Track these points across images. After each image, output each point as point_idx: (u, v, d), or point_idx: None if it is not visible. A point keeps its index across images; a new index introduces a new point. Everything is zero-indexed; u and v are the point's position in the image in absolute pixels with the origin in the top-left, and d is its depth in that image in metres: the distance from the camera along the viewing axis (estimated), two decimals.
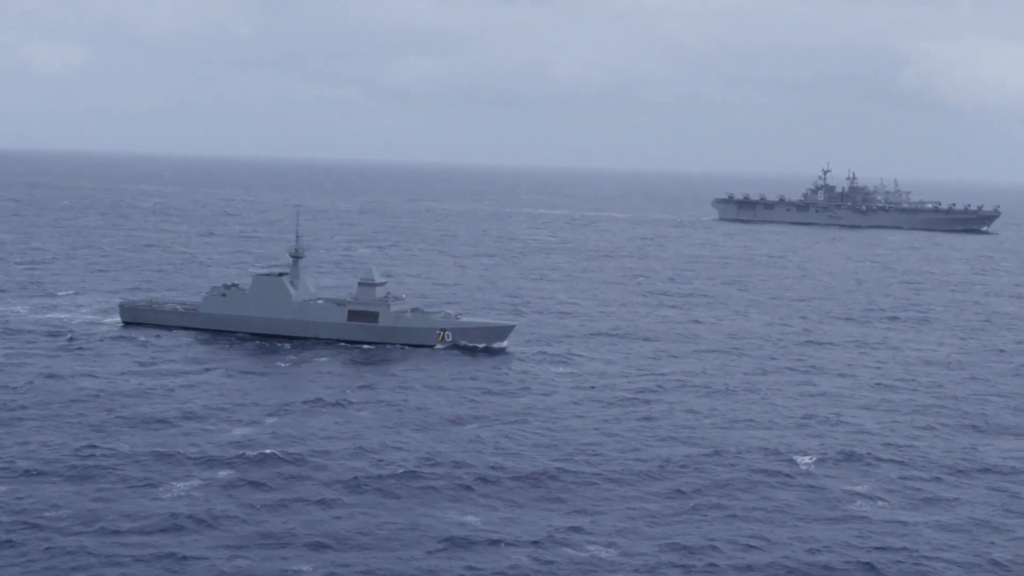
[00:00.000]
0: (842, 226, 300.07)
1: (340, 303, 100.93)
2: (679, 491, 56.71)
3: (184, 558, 45.17)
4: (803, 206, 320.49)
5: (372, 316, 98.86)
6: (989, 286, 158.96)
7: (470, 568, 45.59)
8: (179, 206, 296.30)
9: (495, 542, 48.68)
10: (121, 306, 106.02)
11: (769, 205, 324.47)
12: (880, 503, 56.25)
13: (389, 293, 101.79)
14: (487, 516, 52.30)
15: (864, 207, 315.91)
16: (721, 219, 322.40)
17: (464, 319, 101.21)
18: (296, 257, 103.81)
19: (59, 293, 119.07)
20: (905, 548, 49.58)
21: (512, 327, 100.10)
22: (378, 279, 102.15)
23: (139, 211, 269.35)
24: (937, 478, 60.77)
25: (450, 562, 46.19)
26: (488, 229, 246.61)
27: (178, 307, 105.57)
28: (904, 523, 53.02)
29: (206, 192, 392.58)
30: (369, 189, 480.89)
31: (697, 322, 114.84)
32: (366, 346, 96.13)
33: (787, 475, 60.10)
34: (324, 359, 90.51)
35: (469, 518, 51.87)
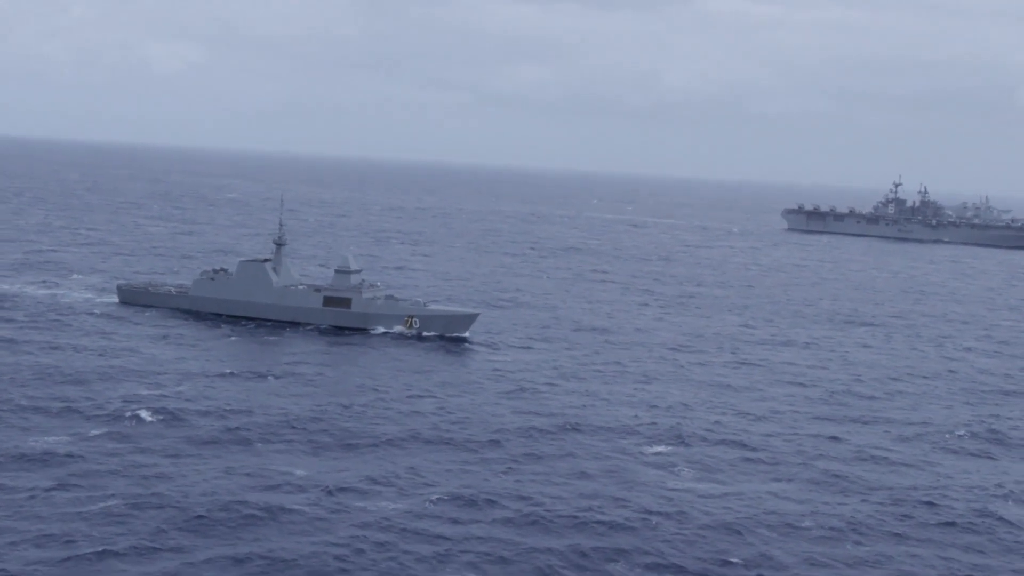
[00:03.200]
0: (911, 240, 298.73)
1: (317, 289, 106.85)
2: (497, 452, 61.51)
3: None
4: (872, 219, 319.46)
5: (346, 302, 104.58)
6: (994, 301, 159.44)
7: (271, 504, 50.85)
8: (251, 200, 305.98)
9: (302, 488, 54.04)
10: (119, 287, 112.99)
11: (839, 216, 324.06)
12: (675, 475, 60.58)
13: (364, 280, 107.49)
14: (314, 466, 57.75)
15: (934, 221, 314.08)
16: (790, 229, 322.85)
17: (432, 307, 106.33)
18: (279, 244, 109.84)
19: (74, 275, 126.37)
20: (681, 512, 53.62)
21: (476, 315, 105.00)
22: (353, 267, 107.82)
23: (203, 203, 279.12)
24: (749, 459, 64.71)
25: (253, 494, 51.53)
26: (531, 230, 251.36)
27: (171, 289, 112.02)
28: (689, 491, 57.23)
29: (288, 189, 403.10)
30: (451, 189, 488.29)
31: (661, 320, 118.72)
32: (345, 331, 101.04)
33: (604, 447, 64.52)
34: (274, 338, 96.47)
35: (298, 471, 57.23)
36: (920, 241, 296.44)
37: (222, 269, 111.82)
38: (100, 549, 44.36)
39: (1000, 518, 55.26)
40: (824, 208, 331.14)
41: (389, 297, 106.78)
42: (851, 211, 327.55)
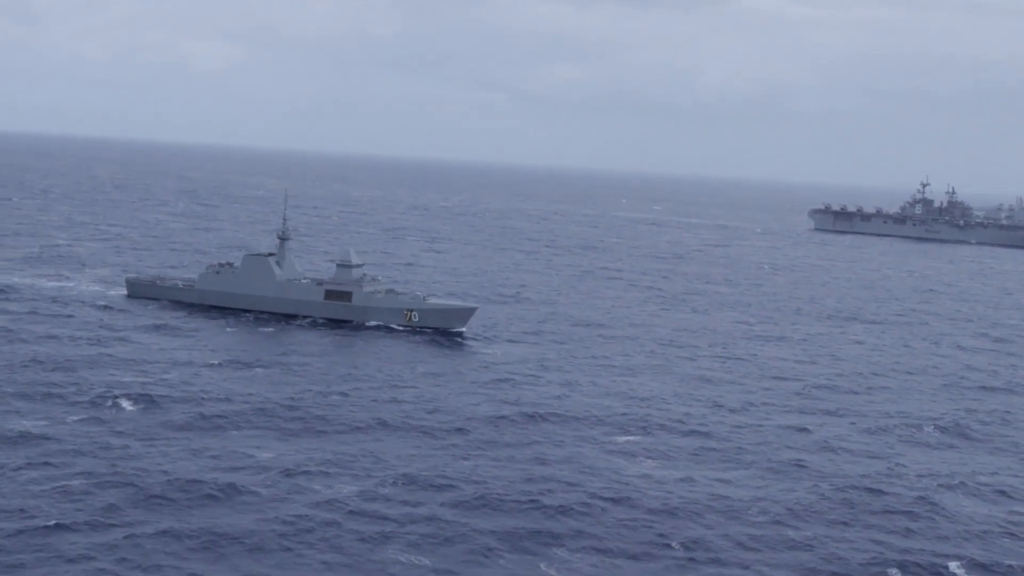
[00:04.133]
0: (938, 240, 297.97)
1: (319, 283, 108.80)
2: (461, 438, 63.32)
3: None
4: (900, 219, 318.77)
5: (346, 295, 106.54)
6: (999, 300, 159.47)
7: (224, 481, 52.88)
8: (276, 198, 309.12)
9: (263, 469, 55.94)
10: (127, 280, 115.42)
11: (865, 217, 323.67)
12: (633, 463, 62.10)
13: (365, 274, 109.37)
14: (279, 450, 59.67)
15: (962, 222, 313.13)
16: (816, 229, 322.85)
17: (431, 301, 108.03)
18: (283, 239, 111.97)
19: (86, 269, 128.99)
20: (630, 498, 55.09)
21: (474, 309, 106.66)
22: (355, 261, 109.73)
23: (227, 200, 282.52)
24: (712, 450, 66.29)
25: (212, 474, 53.46)
26: (551, 228, 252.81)
27: (178, 283, 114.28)
28: (644, 477, 58.66)
29: (317, 187, 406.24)
30: (480, 189, 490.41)
31: (659, 316, 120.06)
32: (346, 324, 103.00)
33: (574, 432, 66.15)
34: (270, 330, 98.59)
35: (264, 453, 59.16)
36: (947, 242, 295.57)
37: (228, 263, 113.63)
38: (52, 523, 46.35)
39: (940, 507, 56.37)
40: (851, 208, 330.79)
41: (390, 291, 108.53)
42: (878, 211, 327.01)
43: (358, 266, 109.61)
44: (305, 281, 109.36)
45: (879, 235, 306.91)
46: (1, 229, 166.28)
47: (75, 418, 63.81)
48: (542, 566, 46.54)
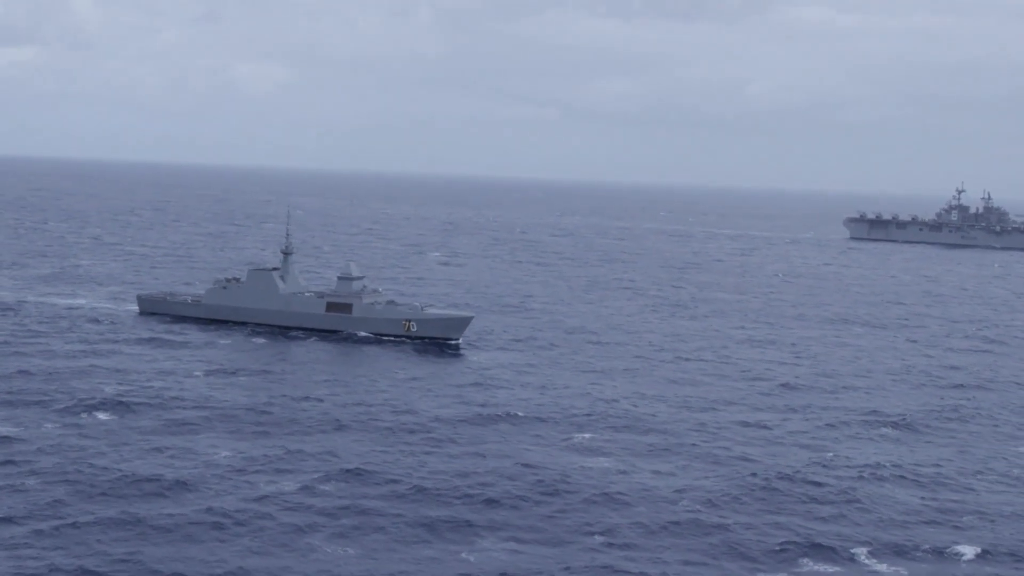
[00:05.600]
0: (975, 247, 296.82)
1: (320, 295, 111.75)
2: (416, 437, 65.77)
3: None
4: (936, 226, 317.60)
5: (347, 307, 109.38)
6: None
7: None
8: (311, 218, 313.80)
9: (214, 466, 58.65)
10: (139, 297, 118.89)
11: (901, 224, 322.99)
12: (581, 457, 64.36)
13: (365, 287, 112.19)
14: (237, 449, 62.40)
15: (998, 228, 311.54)
16: (852, 238, 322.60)
17: (429, 311, 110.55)
18: (286, 253, 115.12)
19: (102, 287, 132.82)
20: (567, 490, 57.20)
21: (470, 319, 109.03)
22: (355, 274, 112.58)
23: (257, 220, 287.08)
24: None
25: (165, 471, 56.19)
26: (577, 242, 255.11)
27: (187, 299, 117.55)
28: (584, 470, 60.82)
29: (357, 206, 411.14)
30: (519, 204, 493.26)
31: (656, 323, 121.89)
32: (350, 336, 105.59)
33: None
34: (263, 341, 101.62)
35: (221, 452, 61.93)
36: (984, 248, 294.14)
37: (234, 278, 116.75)
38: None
39: (865, 496, 58.06)
40: (886, 216, 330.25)
41: (390, 302, 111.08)
42: (913, 218, 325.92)
43: (358, 278, 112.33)
44: (308, 294, 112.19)
45: (915, 243, 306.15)
46: (27, 251, 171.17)
47: (50, 423, 66.86)
48: (463, 554, 48.70)
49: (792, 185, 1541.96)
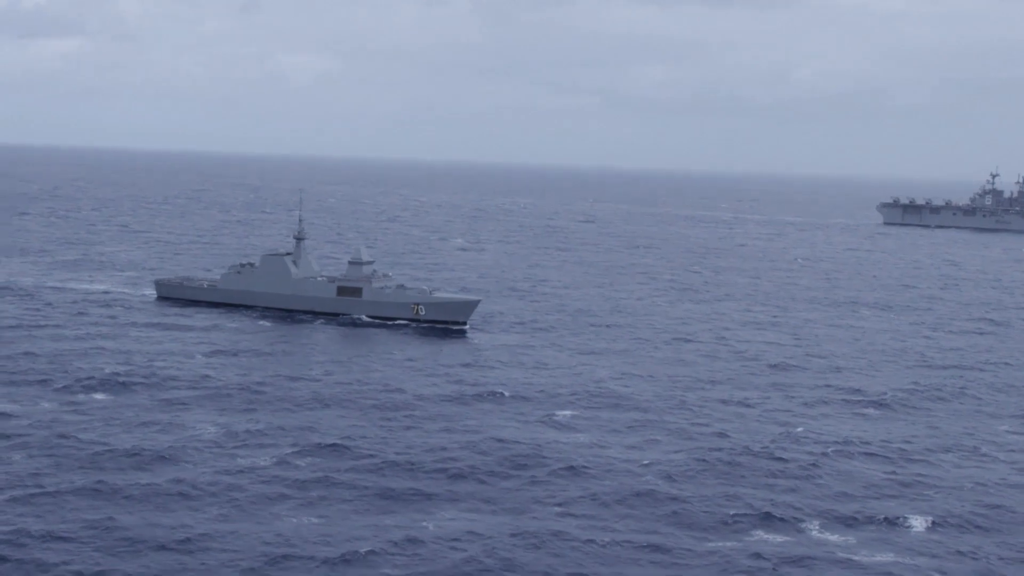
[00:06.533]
0: (1009, 231, 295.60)
1: (331, 280, 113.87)
2: (400, 413, 67.63)
3: None
4: (969, 210, 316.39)
5: (357, 291, 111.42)
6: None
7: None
8: (342, 205, 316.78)
9: (198, 439, 60.73)
10: (156, 282, 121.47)
11: (935, 209, 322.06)
12: (558, 432, 66.15)
13: (376, 271, 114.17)
14: (223, 424, 64.53)
15: None
16: (886, 223, 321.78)
17: (436, 295, 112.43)
18: (299, 239, 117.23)
19: (124, 272, 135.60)
20: (538, 463, 58.88)
21: (477, 302, 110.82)
22: (365, 258, 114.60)
23: (286, 208, 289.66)
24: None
25: (148, 444, 58.35)
26: (606, 229, 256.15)
27: (203, 284, 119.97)
28: (553, 443, 62.40)
29: (389, 193, 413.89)
30: (553, 192, 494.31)
31: (664, 305, 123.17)
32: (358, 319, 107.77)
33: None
34: (269, 323, 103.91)
35: (206, 428, 64.06)
36: (1017, 232, 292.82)
37: (249, 263, 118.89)
38: None
39: (826, 469, 59.50)
40: (920, 201, 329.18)
41: (399, 287, 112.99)
42: (947, 203, 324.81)
43: (368, 263, 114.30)
44: (320, 279, 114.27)
45: (948, 227, 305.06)
46: (55, 238, 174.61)
47: (47, 402, 69.25)
48: (423, 523, 50.46)
49: (832, 171, 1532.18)
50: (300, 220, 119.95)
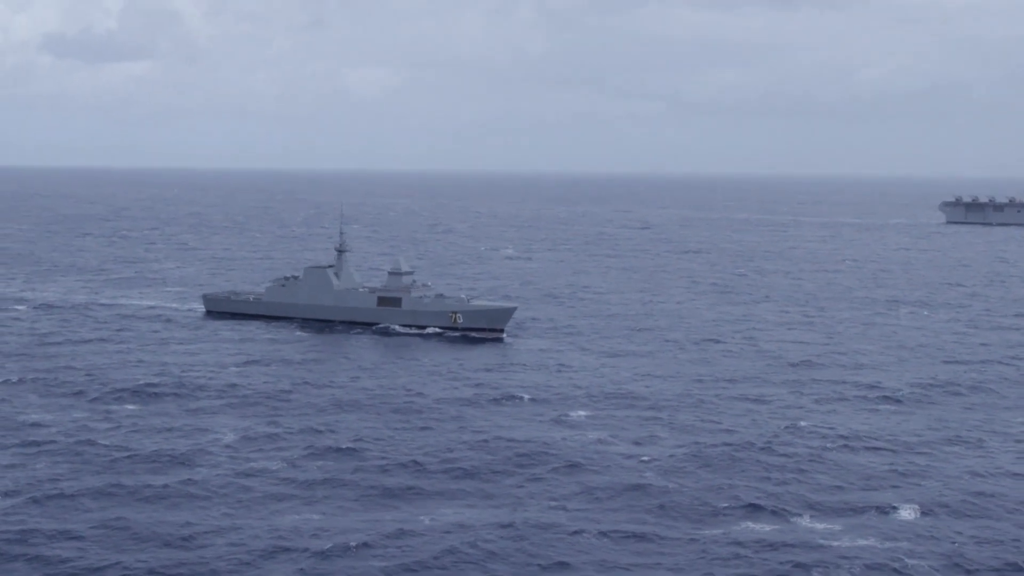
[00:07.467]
0: None
1: (372, 290, 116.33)
2: (417, 416, 69.70)
3: None
4: None
5: (397, 301, 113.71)
6: None
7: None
8: (403, 219, 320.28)
9: (214, 441, 63.14)
10: (204, 296, 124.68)
11: (998, 207, 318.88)
12: (566, 430, 67.70)
13: (415, 281, 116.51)
14: (240, 427, 66.93)
15: None
16: (948, 222, 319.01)
17: (474, 303, 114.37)
18: (340, 251, 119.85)
19: (175, 288, 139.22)
20: (541, 459, 60.55)
21: (513, 309, 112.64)
22: (404, 268, 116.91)
23: (348, 221, 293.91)
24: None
25: (168, 447, 60.82)
26: (652, 235, 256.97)
27: (249, 297, 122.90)
28: (560, 440, 63.99)
29: (448, 204, 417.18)
30: (614, 199, 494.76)
31: (700, 308, 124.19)
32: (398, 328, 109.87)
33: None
34: (306, 334, 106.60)
35: (227, 434, 66.45)
36: None
37: (293, 276, 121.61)
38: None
39: (824, 461, 60.56)
40: (983, 199, 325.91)
41: (438, 296, 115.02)
42: (1011, 200, 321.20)
43: (408, 273, 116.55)
44: (361, 290, 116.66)
45: (1012, 225, 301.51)
46: (113, 256, 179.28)
47: (78, 412, 72.14)
48: (421, 517, 52.28)
49: (903, 172, 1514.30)
50: (341, 233, 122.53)
